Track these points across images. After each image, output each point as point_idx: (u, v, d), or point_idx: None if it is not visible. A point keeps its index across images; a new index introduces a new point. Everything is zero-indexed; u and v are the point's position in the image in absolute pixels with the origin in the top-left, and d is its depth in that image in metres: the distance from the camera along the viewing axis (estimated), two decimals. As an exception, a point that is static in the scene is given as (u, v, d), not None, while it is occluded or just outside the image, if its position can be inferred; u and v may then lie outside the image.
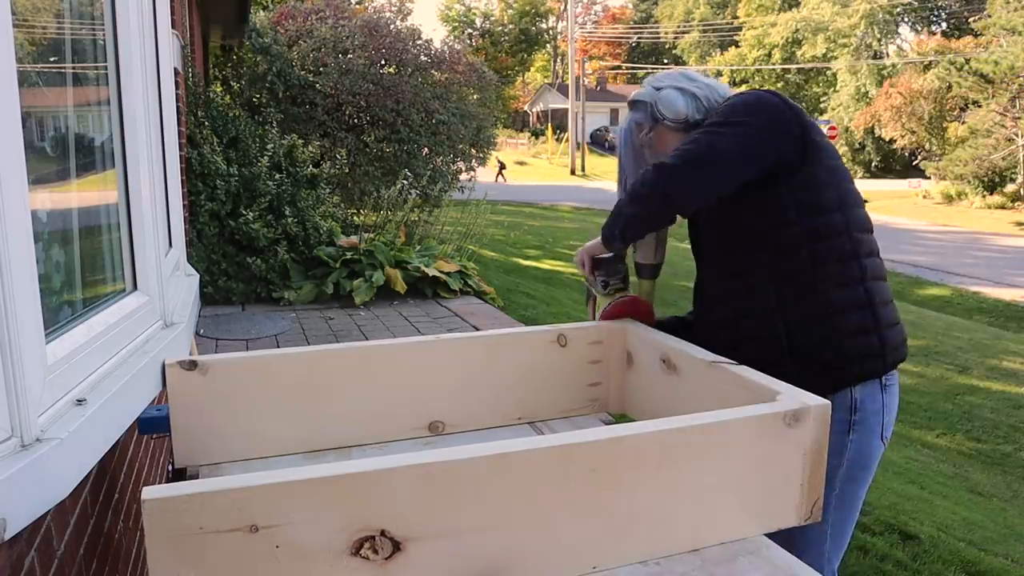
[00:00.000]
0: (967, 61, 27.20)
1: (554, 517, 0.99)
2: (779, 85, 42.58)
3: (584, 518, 1.01)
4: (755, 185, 1.48)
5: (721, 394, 1.31)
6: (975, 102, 26.79)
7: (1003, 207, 24.70)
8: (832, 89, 42.39)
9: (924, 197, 27.83)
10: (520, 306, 6.60)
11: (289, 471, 0.89)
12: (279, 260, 5.92)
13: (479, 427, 1.59)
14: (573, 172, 34.97)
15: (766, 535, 1.15)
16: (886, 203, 24.50)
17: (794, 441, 1.13)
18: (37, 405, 1.02)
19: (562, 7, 51.43)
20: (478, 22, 54.48)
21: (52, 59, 1.49)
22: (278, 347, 4.28)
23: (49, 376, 1.08)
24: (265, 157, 6.08)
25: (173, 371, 1.36)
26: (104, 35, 1.67)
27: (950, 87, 28.04)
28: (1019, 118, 24.66)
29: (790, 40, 44.63)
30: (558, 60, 54.80)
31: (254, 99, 8.59)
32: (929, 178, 29.26)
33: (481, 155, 10.11)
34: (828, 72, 42.73)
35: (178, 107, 3.98)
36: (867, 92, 37.79)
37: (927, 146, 30.12)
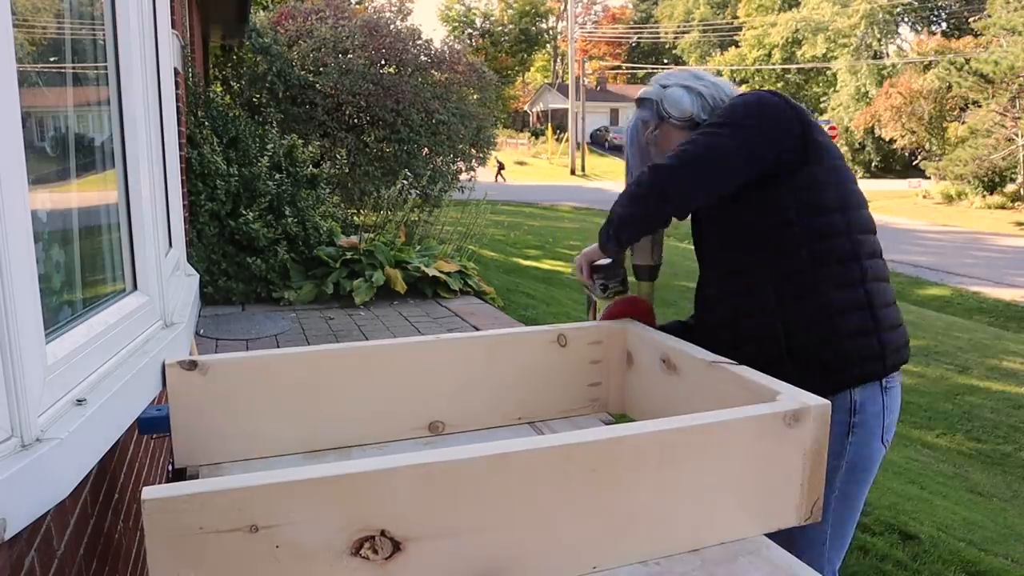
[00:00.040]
0: (967, 61, 27.21)
1: (554, 517, 0.99)
2: (779, 85, 42.59)
3: (584, 518, 1.01)
4: (755, 185, 1.47)
5: (721, 394, 1.31)
6: (975, 102, 26.80)
7: (1003, 207, 24.71)
8: (832, 89, 42.40)
9: (924, 197, 27.84)
10: (520, 306, 6.60)
11: (289, 471, 0.89)
12: (279, 260, 5.93)
13: (479, 427, 1.58)
14: (573, 172, 34.98)
15: (766, 535, 1.15)
16: (886, 203, 24.49)
17: (794, 441, 1.13)
18: (37, 405, 1.02)
19: (562, 7, 51.44)
20: (478, 22, 54.49)
21: (52, 59, 1.49)
22: (278, 347, 4.28)
23: (49, 376, 1.08)
24: (265, 157, 6.09)
25: (173, 371, 1.36)
26: (104, 35, 1.67)
27: (950, 87, 28.05)
28: (1019, 118, 24.66)
29: (790, 40, 44.64)
30: (558, 60, 54.81)
31: (254, 99, 8.59)
32: (929, 178, 29.27)
33: (481, 155, 10.11)
34: (828, 72, 42.74)
35: (178, 107, 3.98)
36: (867, 92, 37.80)
37: (927, 146, 30.13)
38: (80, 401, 1.14)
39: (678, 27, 54.53)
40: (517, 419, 1.62)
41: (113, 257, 1.70)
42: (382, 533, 0.91)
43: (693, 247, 1.71)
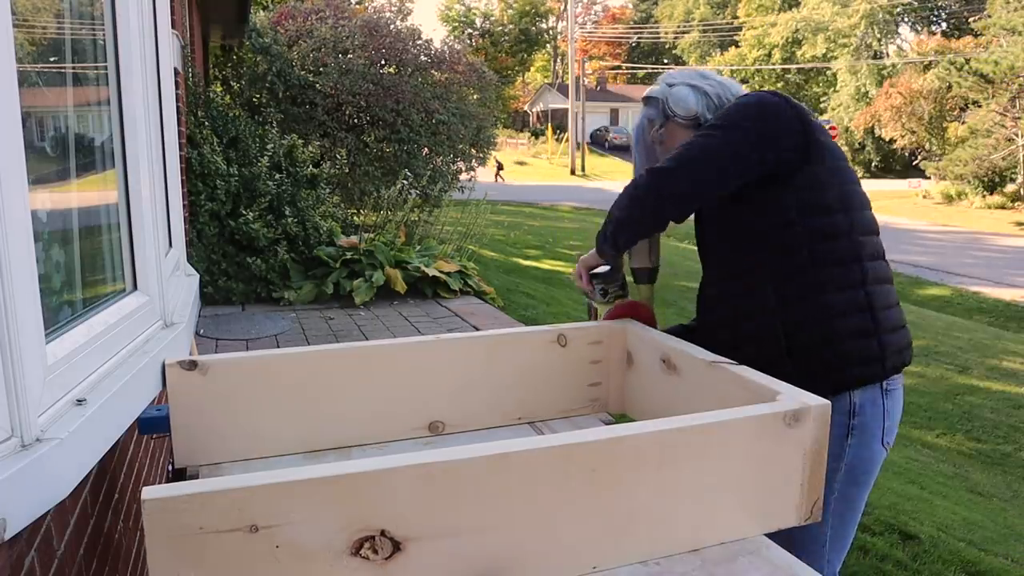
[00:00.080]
0: (967, 61, 27.21)
1: (554, 517, 0.99)
2: (779, 85, 42.60)
3: (584, 518, 1.01)
4: (757, 185, 1.47)
5: (721, 394, 1.31)
6: (975, 102, 26.80)
7: (1003, 207, 24.71)
8: (832, 89, 42.40)
9: (924, 197, 27.84)
10: (520, 306, 6.61)
11: (289, 471, 0.89)
12: (279, 260, 5.93)
13: (479, 427, 1.58)
14: (573, 172, 34.98)
15: (766, 535, 1.15)
16: (886, 203, 24.49)
17: (794, 441, 1.13)
18: (37, 405, 1.02)
19: (562, 7, 51.44)
20: (478, 22, 54.48)
21: (52, 59, 1.49)
22: (278, 347, 4.28)
23: (49, 376, 1.08)
24: (265, 157, 6.09)
25: (173, 371, 1.36)
26: (104, 35, 1.67)
27: (950, 87, 28.04)
28: (1019, 118, 24.66)
29: (790, 40, 44.64)
30: (558, 60, 54.81)
31: (254, 99, 8.60)
32: (929, 178, 29.27)
33: (481, 155, 10.12)
34: (828, 72, 42.74)
35: (178, 107, 3.98)
36: (867, 92, 37.80)
37: (927, 146, 30.13)
38: (80, 401, 1.14)
39: (678, 27, 54.54)
40: (517, 419, 1.62)
41: (113, 257, 1.70)
42: (382, 533, 0.91)
43: (695, 247, 1.71)
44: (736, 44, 49.33)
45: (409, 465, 0.91)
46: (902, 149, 31.81)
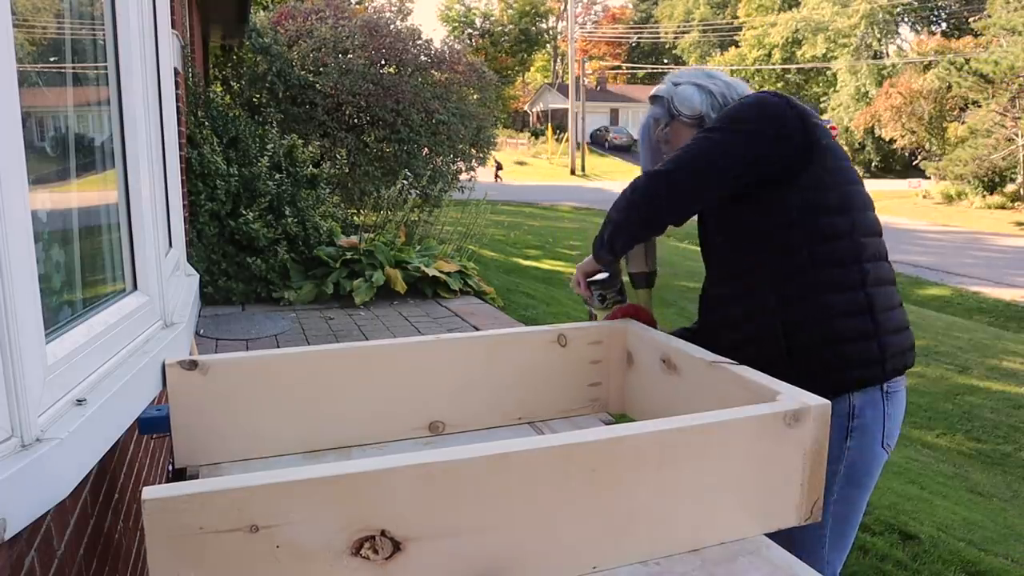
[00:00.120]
0: (967, 61, 27.20)
1: (554, 517, 0.99)
2: (779, 85, 42.60)
3: (584, 518, 1.01)
4: (758, 185, 1.47)
5: (721, 394, 1.31)
6: (975, 102, 26.79)
7: (1003, 207, 24.70)
8: (832, 89, 42.38)
9: (924, 197, 27.83)
10: (520, 306, 6.60)
11: (289, 471, 0.89)
12: (279, 260, 5.93)
13: (479, 427, 1.58)
14: (573, 172, 34.98)
15: (766, 535, 1.15)
16: (886, 203, 24.48)
17: (794, 441, 1.13)
18: (37, 405, 1.02)
19: (562, 7, 51.44)
20: (478, 22, 54.47)
21: (52, 59, 1.49)
22: (278, 347, 4.28)
23: (49, 376, 1.08)
24: (265, 157, 6.09)
25: (173, 371, 1.36)
26: (104, 35, 1.67)
27: (950, 87, 28.04)
28: (1019, 118, 24.66)
29: (790, 40, 44.63)
30: (558, 60, 54.81)
31: (254, 99, 8.60)
32: (929, 178, 29.26)
33: (481, 155, 10.12)
34: (828, 72, 42.72)
35: (178, 107, 3.98)
36: (867, 92, 37.79)
37: (927, 146, 30.12)
38: (80, 401, 1.14)
39: (678, 27, 54.53)
40: (517, 419, 1.62)
41: (113, 257, 1.70)
42: (382, 533, 0.91)
43: (695, 247, 1.71)
44: (736, 44, 49.32)
45: (409, 465, 0.91)
46: (902, 149, 31.81)
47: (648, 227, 1.55)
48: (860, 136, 35.70)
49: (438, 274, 6.25)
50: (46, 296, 1.13)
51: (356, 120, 8.78)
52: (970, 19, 32.89)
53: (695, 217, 1.63)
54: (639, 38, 56.74)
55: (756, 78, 44.14)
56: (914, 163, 30.95)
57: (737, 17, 50.48)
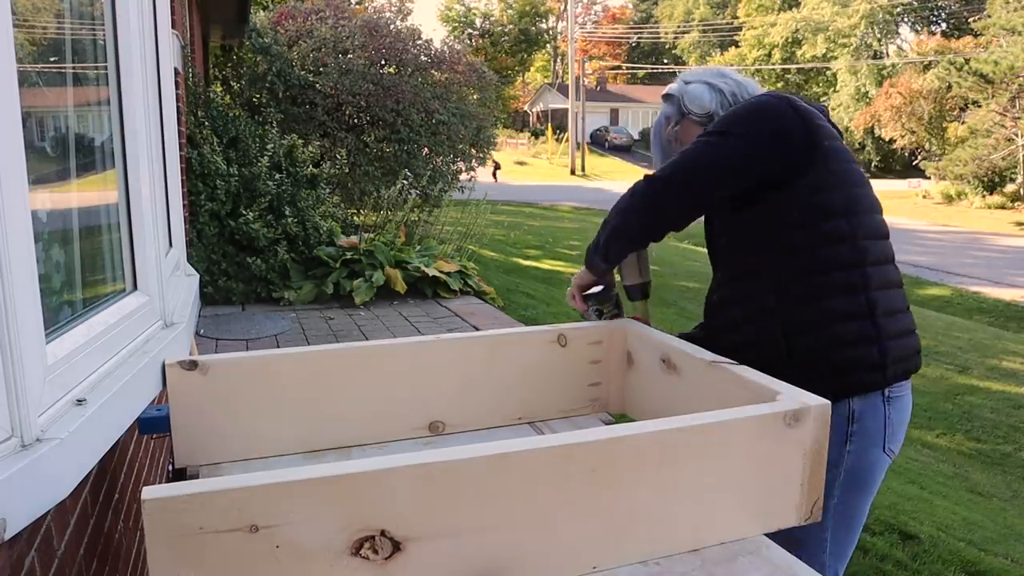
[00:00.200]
0: (967, 61, 27.21)
1: (554, 517, 0.99)
2: (779, 85, 42.55)
3: (584, 518, 1.01)
4: (759, 187, 1.46)
5: (721, 394, 1.31)
6: (975, 102, 26.81)
7: (1003, 207, 24.72)
8: (832, 89, 42.38)
9: (924, 197, 27.85)
10: (520, 306, 6.61)
11: (289, 471, 0.89)
12: (279, 260, 5.93)
13: (479, 427, 1.58)
14: (573, 172, 34.99)
15: (766, 535, 1.15)
16: (886, 203, 24.10)
17: (794, 441, 1.13)
18: (37, 405, 1.02)
19: (562, 7, 51.44)
20: (478, 22, 54.48)
21: (52, 59, 1.49)
22: (278, 347, 4.28)
23: (49, 376, 1.08)
24: (265, 157, 6.09)
25: (173, 371, 1.36)
26: (104, 35, 1.67)
27: (950, 87, 28.05)
28: (1019, 118, 24.67)
29: (790, 40, 44.62)
30: (558, 60, 54.81)
31: (254, 99, 8.60)
32: (929, 178, 29.28)
33: (481, 155, 10.12)
34: (828, 72, 42.71)
35: (178, 107, 3.98)
36: (867, 92, 37.81)
37: (927, 146, 30.14)
38: (80, 401, 1.14)
39: (678, 27, 54.53)
40: (517, 419, 1.62)
41: (113, 257, 1.70)
42: (382, 533, 0.91)
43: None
44: (736, 44, 49.31)
45: (409, 465, 0.91)
46: (902, 149, 31.82)
47: (647, 232, 1.53)
48: (860, 136, 35.72)
49: (438, 274, 6.26)
50: (46, 296, 1.13)
51: (356, 120, 8.79)
52: (970, 19, 32.90)
53: (700, 219, 1.62)
54: (639, 38, 56.75)
55: (756, 78, 43.79)
56: (914, 163, 30.96)
57: (737, 17, 50.48)
